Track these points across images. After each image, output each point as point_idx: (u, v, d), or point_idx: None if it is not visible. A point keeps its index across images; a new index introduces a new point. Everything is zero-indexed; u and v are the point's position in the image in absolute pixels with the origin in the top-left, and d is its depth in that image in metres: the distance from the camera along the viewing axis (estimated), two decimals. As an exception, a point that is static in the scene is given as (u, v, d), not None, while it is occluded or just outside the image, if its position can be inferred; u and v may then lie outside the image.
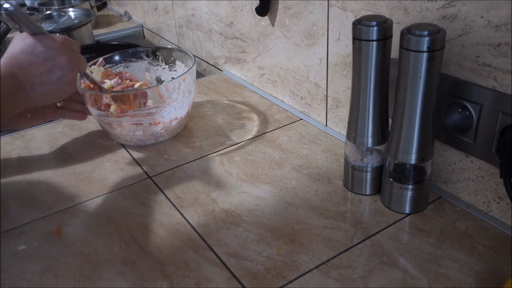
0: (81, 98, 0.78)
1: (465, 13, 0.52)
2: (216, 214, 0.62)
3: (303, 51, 0.80)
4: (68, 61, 0.68)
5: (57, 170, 0.74)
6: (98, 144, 0.81)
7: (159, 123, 0.76)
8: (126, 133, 0.77)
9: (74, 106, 0.80)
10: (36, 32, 0.67)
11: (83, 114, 0.81)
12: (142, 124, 0.75)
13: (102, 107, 0.76)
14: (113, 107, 0.75)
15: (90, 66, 0.84)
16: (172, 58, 0.89)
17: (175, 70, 0.89)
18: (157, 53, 0.90)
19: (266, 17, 0.86)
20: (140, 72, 0.91)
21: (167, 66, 0.90)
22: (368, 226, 0.58)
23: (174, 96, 0.80)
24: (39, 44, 0.66)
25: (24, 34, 0.67)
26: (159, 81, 0.91)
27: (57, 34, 0.70)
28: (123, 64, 0.89)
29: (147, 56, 0.91)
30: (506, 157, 0.51)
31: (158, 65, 0.91)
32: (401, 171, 0.58)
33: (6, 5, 0.64)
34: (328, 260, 0.53)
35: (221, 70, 1.10)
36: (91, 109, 0.76)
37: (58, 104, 0.79)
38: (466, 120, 0.56)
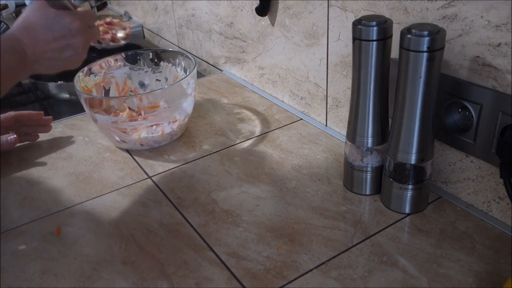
0: (32, 122, 0.81)
1: (465, 13, 0.52)
2: (216, 214, 0.62)
3: (303, 51, 0.80)
4: (83, 43, 0.64)
5: (57, 170, 0.74)
6: (98, 144, 0.81)
7: (176, 120, 0.77)
8: (144, 136, 0.76)
9: (26, 130, 0.82)
10: (57, 5, 0.62)
11: (35, 136, 0.83)
12: (162, 124, 0.75)
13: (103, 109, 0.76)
14: (125, 114, 0.75)
15: (79, 77, 0.80)
16: (156, 60, 0.88)
17: (160, 72, 0.88)
18: (138, 57, 0.88)
19: (266, 17, 0.86)
20: (121, 78, 0.88)
21: (150, 69, 0.89)
22: (368, 226, 0.58)
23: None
24: (58, 20, 0.61)
25: (43, 2, 0.62)
26: (142, 85, 0.90)
27: (79, 8, 0.65)
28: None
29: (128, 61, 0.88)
30: (506, 157, 0.51)
31: (140, 68, 0.89)
32: (401, 171, 0.58)
33: None
34: (328, 260, 0.53)
35: (221, 70, 1.10)
36: (102, 117, 0.74)
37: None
38: (466, 120, 0.56)
